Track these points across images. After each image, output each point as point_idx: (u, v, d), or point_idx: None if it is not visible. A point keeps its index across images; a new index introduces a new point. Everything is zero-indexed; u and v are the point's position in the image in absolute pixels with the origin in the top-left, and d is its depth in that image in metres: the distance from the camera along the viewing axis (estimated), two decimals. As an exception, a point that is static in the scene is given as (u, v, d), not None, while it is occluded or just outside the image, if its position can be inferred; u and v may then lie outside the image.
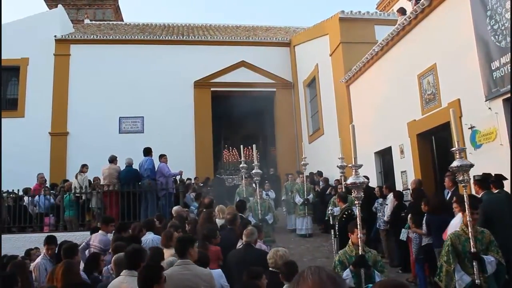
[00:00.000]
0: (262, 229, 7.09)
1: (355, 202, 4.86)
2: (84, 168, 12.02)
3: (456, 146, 4.73)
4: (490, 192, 6.27)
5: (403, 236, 8.26)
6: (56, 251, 6.57)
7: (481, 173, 6.47)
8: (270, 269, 4.68)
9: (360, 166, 4.80)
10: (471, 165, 4.65)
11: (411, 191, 9.00)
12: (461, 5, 7.84)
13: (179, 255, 4.57)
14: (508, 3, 6.57)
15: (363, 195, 4.78)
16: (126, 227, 7.41)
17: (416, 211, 7.69)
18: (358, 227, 4.79)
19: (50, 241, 6.59)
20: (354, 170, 4.78)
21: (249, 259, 5.24)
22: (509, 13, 6.56)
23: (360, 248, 4.81)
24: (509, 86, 6.53)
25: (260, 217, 9.81)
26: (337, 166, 9.05)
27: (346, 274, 4.78)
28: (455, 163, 4.67)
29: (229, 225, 7.11)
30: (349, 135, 5.04)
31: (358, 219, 4.79)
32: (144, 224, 7.60)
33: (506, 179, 6.30)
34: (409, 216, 7.88)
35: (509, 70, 6.55)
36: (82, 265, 5.85)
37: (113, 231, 7.45)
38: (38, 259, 6.40)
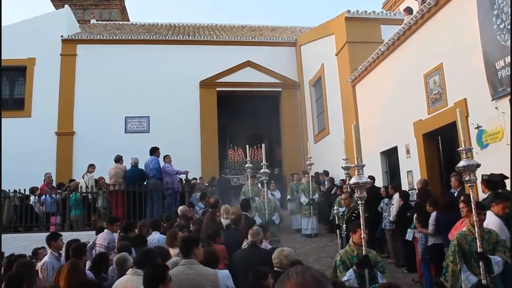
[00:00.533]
0: (268, 229, 7.09)
1: (358, 202, 4.84)
2: (90, 168, 12.08)
3: (463, 146, 4.69)
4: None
5: (409, 236, 8.24)
6: (63, 248, 6.64)
7: (488, 173, 6.43)
8: (275, 269, 4.67)
9: (363, 166, 4.78)
10: (478, 165, 4.61)
11: (417, 191, 8.97)
12: (467, 4, 7.79)
13: (183, 255, 4.58)
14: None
15: (366, 195, 4.75)
16: (132, 227, 7.44)
17: (421, 211, 7.67)
18: (362, 227, 4.77)
19: (54, 237, 6.68)
20: (357, 170, 4.76)
21: (254, 259, 5.23)
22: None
23: (363, 248, 4.79)
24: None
25: (266, 216, 9.80)
26: (342, 167, 9.03)
27: (350, 274, 4.75)
28: (461, 163, 4.63)
29: (233, 225, 7.12)
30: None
31: (361, 219, 4.76)
32: (150, 224, 7.64)
33: (507, 178, 6.25)
34: (415, 216, 7.87)
35: (510, 71, 6.51)
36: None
37: (119, 231, 7.49)
38: (46, 258, 6.42)
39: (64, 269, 4.57)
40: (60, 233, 7.33)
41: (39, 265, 6.43)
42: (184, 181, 11.90)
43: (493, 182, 6.33)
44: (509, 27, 6.64)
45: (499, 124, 7.02)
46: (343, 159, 8.85)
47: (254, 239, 5.62)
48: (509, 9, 6.63)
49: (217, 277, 4.47)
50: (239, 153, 20.27)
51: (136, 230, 7.34)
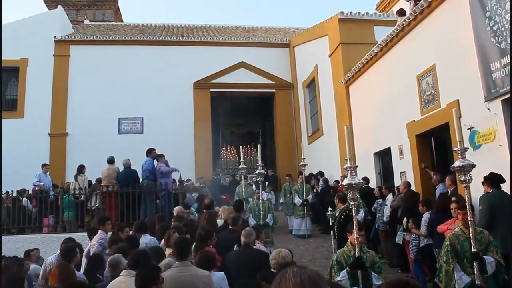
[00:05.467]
0: (262, 230, 7.08)
1: (351, 203, 4.83)
2: (83, 169, 12.01)
3: (459, 146, 4.66)
4: (500, 190, 6.26)
5: (399, 239, 8.30)
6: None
7: (480, 174, 6.45)
8: (271, 270, 4.66)
9: (356, 167, 4.79)
10: (473, 165, 4.54)
11: (402, 194, 8.95)
12: (460, 6, 7.83)
13: (177, 257, 4.56)
14: (508, 4, 6.55)
15: (358, 196, 4.75)
16: (122, 228, 7.44)
17: (411, 213, 7.73)
18: (355, 228, 4.76)
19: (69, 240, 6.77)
20: (349, 171, 4.75)
21: (247, 260, 5.23)
22: (509, 14, 6.55)
23: (356, 249, 4.79)
24: (508, 87, 6.52)
25: (261, 217, 9.77)
26: (344, 168, 9.00)
27: (343, 275, 4.76)
28: (457, 163, 4.56)
29: (231, 226, 7.07)
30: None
31: (354, 220, 4.76)
32: (135, 227, 7.52)
33: (504, 181, 6.26)
34: (404, 219, 7.92)
35: (510, 71, 6.54)
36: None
37: (111, 231, 7.50)
38: (53, 259, 6.37)
39: (53, 271, 4.56)
40: (53, 235, 7.32)
41: (45, 265, 6.41)
42: (177, 182, 11.84)
43: (494, 179, 6.30)
44: (502, 29, 6.68)
45: (491, 125, 7.06)
46: (345, 159, 8.81)
47: (247, 240, 5.61)
48: (503, 11, 6.67)
49: (211, 279, 4.45)
50: (232, 153, 20.23)
51: (127, 231, 7.32)
